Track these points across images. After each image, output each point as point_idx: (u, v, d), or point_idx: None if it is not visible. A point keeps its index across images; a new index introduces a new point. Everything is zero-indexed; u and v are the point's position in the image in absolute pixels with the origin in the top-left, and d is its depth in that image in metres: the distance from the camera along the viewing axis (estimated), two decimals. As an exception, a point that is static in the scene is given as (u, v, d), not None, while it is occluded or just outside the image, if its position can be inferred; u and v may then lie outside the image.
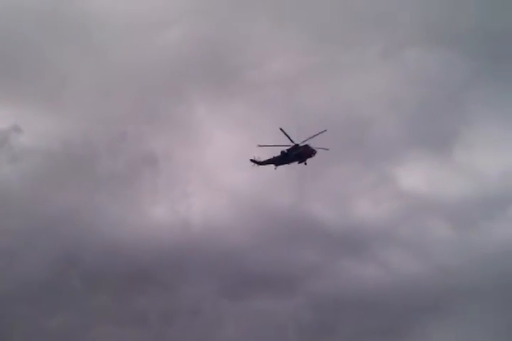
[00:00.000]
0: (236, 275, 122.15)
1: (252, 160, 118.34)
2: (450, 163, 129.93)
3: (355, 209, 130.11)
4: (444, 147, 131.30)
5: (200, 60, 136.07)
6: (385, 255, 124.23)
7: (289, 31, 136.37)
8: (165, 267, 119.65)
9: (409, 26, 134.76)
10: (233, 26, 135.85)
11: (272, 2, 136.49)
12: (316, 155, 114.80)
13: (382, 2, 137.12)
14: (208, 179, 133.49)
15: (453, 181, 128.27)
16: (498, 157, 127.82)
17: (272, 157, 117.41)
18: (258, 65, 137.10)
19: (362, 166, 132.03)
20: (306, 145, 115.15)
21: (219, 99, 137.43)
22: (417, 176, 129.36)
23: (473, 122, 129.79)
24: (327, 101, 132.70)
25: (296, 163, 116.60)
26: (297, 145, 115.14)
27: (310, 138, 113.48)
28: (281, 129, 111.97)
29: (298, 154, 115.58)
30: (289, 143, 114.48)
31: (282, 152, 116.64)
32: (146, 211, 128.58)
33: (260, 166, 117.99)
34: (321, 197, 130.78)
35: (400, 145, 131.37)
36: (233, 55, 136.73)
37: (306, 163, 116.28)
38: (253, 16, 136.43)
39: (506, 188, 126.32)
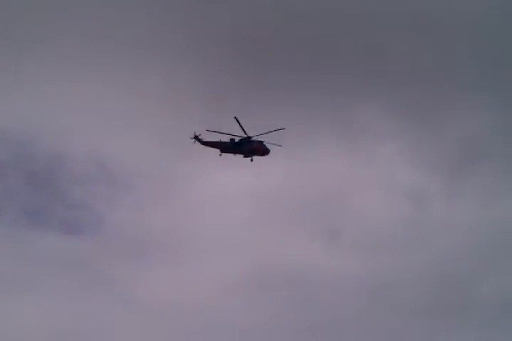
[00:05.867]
0: None
1: (195, 137, 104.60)
2: None
3: None
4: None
5: None
6: None
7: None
8: None
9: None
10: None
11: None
12: None
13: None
14: None
15: None
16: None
17: (218, 140, 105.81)
18: None
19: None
20: (261, 142, 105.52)
21: None
22: None
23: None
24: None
25: (242, 156, 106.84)
26: (250, 138, 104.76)
27: (264, 133, 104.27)
28: (235, 118, 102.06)
29: (248, 148, 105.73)
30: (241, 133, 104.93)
31: (232, 140, 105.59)
32: None
33: (202, 146, 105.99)
34: None
35: None
36: None
37: (252, 160, 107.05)
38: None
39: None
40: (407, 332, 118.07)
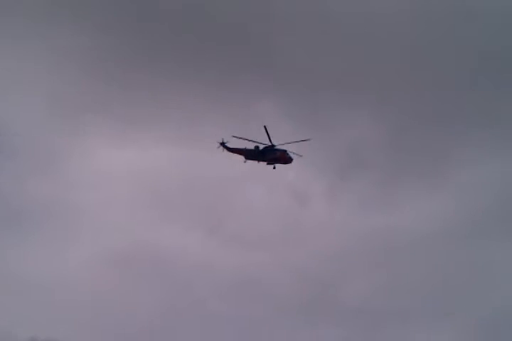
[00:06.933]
0: None
1: (221, 144, 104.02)
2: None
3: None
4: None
5: None
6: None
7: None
8: None
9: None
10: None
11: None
12: None
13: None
14: None
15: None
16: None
17: (244, 147, 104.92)
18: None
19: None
20: (285, 151, 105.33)
21: None
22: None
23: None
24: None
25: (265, 163, 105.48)
26: (274, 146, 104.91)
27: (290, 142, 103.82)
28: (264, 127, 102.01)
29: (272, 156, 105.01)
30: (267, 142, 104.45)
31: (257, 147, 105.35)
32: None
33: (227, 153, 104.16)
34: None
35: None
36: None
37: (275, 167, 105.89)
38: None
39: None
40: (271, 327, 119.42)
